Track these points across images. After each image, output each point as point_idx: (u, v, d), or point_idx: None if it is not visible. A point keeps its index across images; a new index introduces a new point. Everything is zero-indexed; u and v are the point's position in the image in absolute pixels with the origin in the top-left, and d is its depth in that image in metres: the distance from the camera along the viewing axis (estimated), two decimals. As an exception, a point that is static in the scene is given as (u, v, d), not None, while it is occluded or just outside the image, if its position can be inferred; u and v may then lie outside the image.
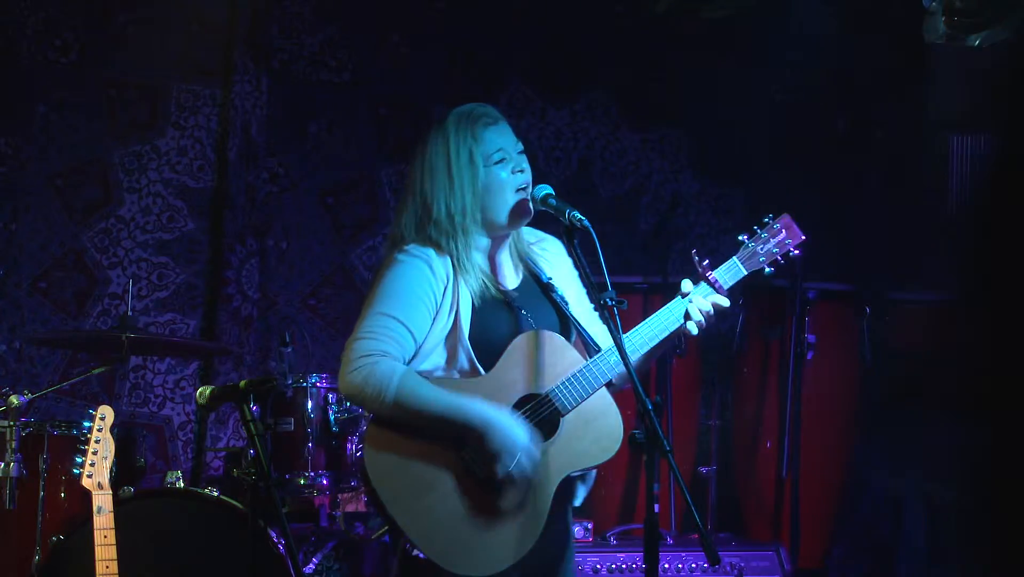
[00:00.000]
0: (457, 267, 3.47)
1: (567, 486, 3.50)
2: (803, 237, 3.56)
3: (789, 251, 3.55)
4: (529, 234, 3.67)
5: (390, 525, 3.40)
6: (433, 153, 3.52)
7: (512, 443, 3.34)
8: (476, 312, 3.46)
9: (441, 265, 3.47)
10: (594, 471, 3.58)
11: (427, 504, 3.35)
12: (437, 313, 3.44)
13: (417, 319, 3.41)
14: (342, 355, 3.44)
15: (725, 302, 3.48)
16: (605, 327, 3.39)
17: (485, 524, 3.36)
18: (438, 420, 3.36)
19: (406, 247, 3.49)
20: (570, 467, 3.43)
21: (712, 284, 3.47)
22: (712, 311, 3.46)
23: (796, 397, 5.62)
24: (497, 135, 3.52)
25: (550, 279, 3.59)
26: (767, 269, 3.53)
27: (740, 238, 3.54)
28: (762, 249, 3.53)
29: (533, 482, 3.38)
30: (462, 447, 3.39)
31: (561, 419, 3.41)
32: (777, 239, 3.54)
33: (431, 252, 3.47)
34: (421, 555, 3.36)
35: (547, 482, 3.39)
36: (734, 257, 3.52)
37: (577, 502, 3.60)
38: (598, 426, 3.43)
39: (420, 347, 3.43)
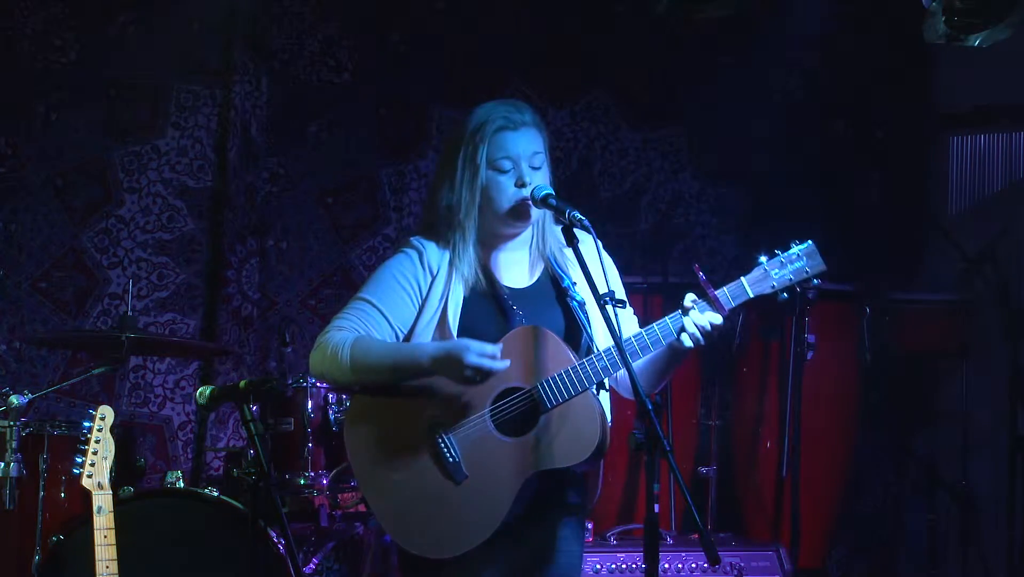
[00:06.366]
0: (454, 259, 3.49)
1: (554, 490, 3.48)
2: (825, 268, 3.39)
3: (808, 280, 3.39)
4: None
5: (365, 501, 3.48)
6: (449, 145, 3.57)
7: (458, 351, 3.33)
8: (466, 304, 3.48)
9: (436, 257, 3.50)
10: (599, 481, 3.56)
11: (395, 482, 3.41)
12: (425, 303, 3.48)
13: (393, 303, 3.47)
14: None
15: (718, 320, 3.36)
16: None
17: (444, 508, 3.38)
18: (394, 369, 3.40)
19: (409, 239, 3.56)
20: (540, 464, 3.38)
21: (713, 302, 3.35)
22: (709, 328, 3.35)
23: (796, 397, 5.62)
24: (510, 141, 3.47)
25: (572, 284, 3.53)
26: (782, 295, 3.38)
27: (759, 258, 3.39)
28: (776, 273, 3.38)
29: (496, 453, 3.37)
30: (429, 410, 3.40)
31: (541, 415, 3.39)
32: (795, 266, 3.38)
33: (431, 245, 3.51)
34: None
35: (511, 476, 3.37)
36: (742, 277, 3.39)
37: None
38: (576, 428, 3.38)
39: (407, 336, 3.48)
